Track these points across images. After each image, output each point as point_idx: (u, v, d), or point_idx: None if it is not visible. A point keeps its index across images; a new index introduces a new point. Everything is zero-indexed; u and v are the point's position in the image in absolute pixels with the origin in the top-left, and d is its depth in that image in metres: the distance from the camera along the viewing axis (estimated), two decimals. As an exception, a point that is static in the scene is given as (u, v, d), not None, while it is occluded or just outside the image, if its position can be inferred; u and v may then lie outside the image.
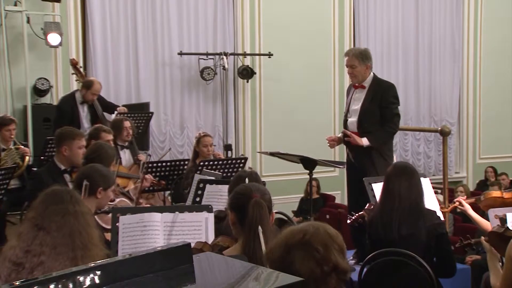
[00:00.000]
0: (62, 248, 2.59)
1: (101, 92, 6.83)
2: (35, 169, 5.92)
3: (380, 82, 5.49)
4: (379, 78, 5.54)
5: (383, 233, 4.06)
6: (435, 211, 4.19)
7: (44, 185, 4.56)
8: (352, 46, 9.51)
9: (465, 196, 5.23)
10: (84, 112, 6.72)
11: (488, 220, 4.38)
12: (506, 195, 4.84)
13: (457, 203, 4.80)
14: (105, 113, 6.85)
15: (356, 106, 5.44)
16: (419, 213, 4.02)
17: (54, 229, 2.62)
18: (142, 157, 6.54)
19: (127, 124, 6.28)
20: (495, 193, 5.05)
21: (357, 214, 4.55)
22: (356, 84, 5.45)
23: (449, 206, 5.02)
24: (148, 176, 5.33)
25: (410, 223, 3.99)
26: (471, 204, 4.83)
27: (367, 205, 4.53)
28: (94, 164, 4.01)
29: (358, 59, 5.35)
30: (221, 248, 2.94)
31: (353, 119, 5.45)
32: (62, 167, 4.74)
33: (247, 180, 3.53)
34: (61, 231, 2.62)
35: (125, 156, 6.31)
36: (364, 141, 5.31)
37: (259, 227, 2.76)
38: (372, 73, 5.45)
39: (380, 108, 5.34)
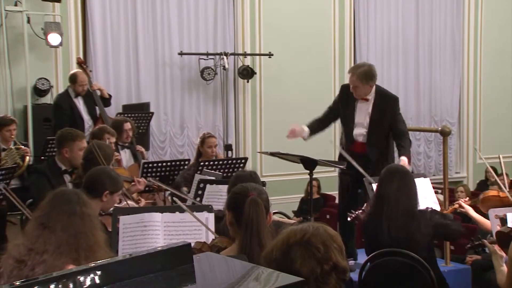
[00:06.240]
0: (65, 247, 2.61)
1: (88, 79, 7.12)
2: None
3: (385, 96, 5.52)
4: (382, 90, 5.56)
5: (375, 237, 4.04)
6: (426, 209, 4.14)
7: (47, 180, 4.62)
8: (352, 46, 9.51)
9: (467, 198, 5.25)
10: (80, 105, 7.00)
11: (489, 220, 4.38)
12: (502, 194, 4.89)
13: (457, 205, 4.83)
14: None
15: (361, 118, 5.47)
16: (411, 216, 3.97)
17: (59, 229, 2.64)
18: (142, 149, 6.69)
19: (127, 126, 6.30)
20: (492, 192, 5.13)
21: (357, 212, 4.54)
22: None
23: (449, 208, 5.05)
24: (142, 180, 5.15)
25: (401, 226, 3.94)
26: (471, 206, 4.85)
27: (365, 204, 4.52)
28: (104, 166, 3.99)
29: (362, 81, 5.37)
30: (218, 249, 2.93)
31: (361, 131, 5.49)
32: (63, 167, 4.78)
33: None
34: (66, 231, 2.64)
35: (126, 155, 6.32)
36: (407, 161, 5.20)
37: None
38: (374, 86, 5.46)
39: (391, 121, 5.41)
